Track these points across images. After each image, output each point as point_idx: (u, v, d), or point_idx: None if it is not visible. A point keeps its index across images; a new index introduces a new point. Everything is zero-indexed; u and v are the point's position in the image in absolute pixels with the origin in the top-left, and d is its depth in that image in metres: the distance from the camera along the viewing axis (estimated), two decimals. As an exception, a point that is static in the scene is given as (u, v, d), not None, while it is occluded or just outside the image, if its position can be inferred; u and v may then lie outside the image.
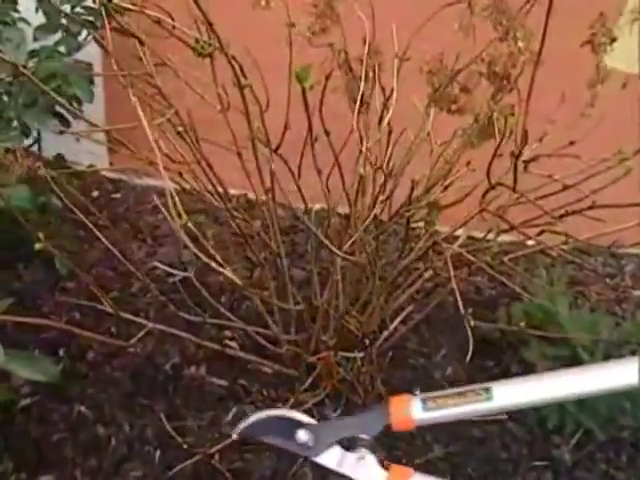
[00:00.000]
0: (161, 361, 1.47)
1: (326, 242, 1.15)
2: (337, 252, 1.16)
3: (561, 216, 1.13)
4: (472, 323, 1.31)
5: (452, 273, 1.12)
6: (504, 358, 1.74)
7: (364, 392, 1.44)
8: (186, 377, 1.45)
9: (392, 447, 1.41)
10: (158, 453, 1.25)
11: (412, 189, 1.03)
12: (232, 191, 2.35)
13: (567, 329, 1.54)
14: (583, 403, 1.52)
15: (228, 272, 1.24)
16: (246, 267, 1.91)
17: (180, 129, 1.12)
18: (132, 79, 1.10)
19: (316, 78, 1.01)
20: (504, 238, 1.60)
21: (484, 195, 1.05)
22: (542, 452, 1.52)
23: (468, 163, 1.34)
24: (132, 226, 1.99)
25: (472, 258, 1.22)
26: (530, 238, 1.25)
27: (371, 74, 1.06)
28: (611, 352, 1.54)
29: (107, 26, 1.07)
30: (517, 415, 1.56)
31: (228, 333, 1.61)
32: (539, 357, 1.52)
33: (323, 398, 1.44)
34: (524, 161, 0.92)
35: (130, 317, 1.32)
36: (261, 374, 1.50)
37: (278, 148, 1.32)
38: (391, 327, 1.43)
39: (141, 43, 1.12)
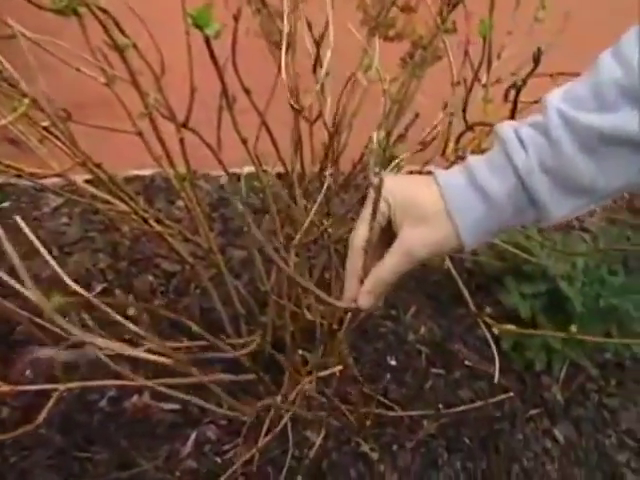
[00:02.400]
0: (94, 398, 1.22)
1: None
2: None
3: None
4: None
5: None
6: (476, 302, 1.60)
7: (338, 380, 1.26)
8: (128, 410, 1.21)
9: (380, 435, 1.25)
10: (110, 516, 1.04)
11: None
12: (146, 172, 2.06)
13: (541, 259, 1.40)
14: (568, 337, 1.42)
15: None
16: (176, 260, 1.65)
17: (45, 123, 0.83)
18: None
19: (221, 21, 0.74)
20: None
21: (459, 138, 0.84)
22: (534, 398, 1.41)
23: (417, 115, 1.13)
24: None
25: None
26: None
27: (291, 6, 0.81)
28: (590, 276, 1.43)
29: None
30: (503, 365, 1.44)
31: (170, 343, 1.37)
32: (519, 299, 1.38)
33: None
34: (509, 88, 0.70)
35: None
36: (215, 385, 1.29)
37: (187, 123, 1.05)
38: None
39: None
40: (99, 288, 1.49)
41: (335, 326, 1.14)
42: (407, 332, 1.51)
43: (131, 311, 0.99)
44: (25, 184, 1.88)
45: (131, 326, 0.70)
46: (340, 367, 1.03)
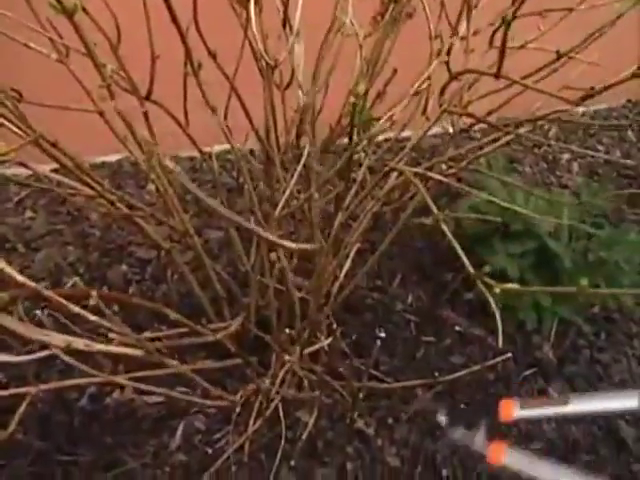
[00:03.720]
0: (73, 397, 1.16)
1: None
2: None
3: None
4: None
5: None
6: (460, 266, 1.56)
7: (327, 359, 1.21)
8: (110, 407, 1.15)
9: (374, 408, 1.22)
10: (100, 519, 0.99)
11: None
12: (112, 157, 1.96)
13: (529, 217, 1.36)
14: (557, 294, 1.39)
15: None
16: (151, 246, 1.57)
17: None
18: None
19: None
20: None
21: (443, 89, 0.77)
22: (527, 359, 1.39)
23: (395, 71, 1.07)
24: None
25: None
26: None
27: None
28: (576, 232, 1.40)
29: None
30: (494, 327, 1.41)
31: (147, 334, 1.31)
32: (506, 259, 1.35)
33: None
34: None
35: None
36: (200, 373, 1.23)
37: (149, 94, 0.97)
38: (341, 275, 1.18)
39: None
40: (70, 283, 1.42)
41: (321, 300, 1.09)
42: (394, 302, 1.47)
43: (93, 301, 0.92)
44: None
45: (92, 318, 0.63)
46: (328, 341, 0.98)
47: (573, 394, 1.04)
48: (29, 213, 1.61)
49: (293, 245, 0.69)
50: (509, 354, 1.27)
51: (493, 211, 1.46)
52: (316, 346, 1.01)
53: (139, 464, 1.07)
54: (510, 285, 0.63)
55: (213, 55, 0.82)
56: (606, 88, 0.62)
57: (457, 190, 1.93)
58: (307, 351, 1.08)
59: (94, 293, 0.68)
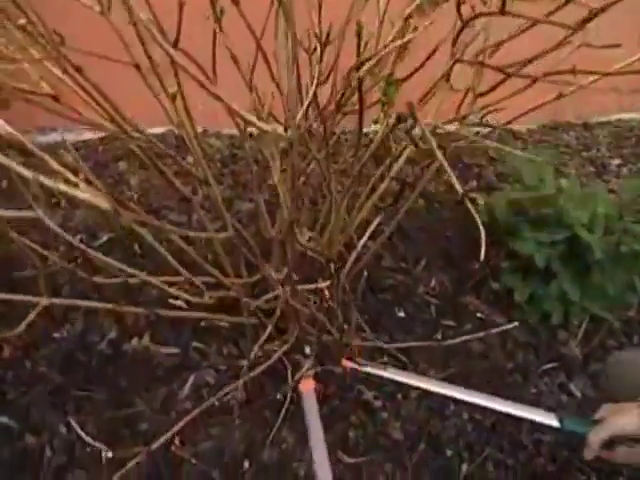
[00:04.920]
0: (94, 340, 1.22)
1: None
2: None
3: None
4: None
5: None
6: (490, 256, 1.54)
7: (340, 328, 1.22)
8: (128, 353, 1.20)
9: (383, 384, 1.21)
10: (105, 453, 1.02)
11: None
12: (158, 129, 2.04)
13: (561, 206, 1.32)
14: (588, 288, 1.34)
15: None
16: (184, 211, 1.63)
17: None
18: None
19: None
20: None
21: (456, 39, 0.77)
22: (550, 353, 1.34)
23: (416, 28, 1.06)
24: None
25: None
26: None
27: None
28: (610, 226, 1.34)
29: None
30: (517, 318, 1.38)
31: (172, 290, 1.35)
32: (534, 246, 1.31)
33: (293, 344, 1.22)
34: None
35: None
36: (217, 331, 1.27)
37: (177, 43, 0.99)
38: (359, 245, 1.19)
39: None
40: (105, 238, 1.49)
41: (336, 263, 1.09)
42: (417, 284, 1.46)
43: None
44: (39, 140, 1.88)
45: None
46: (327, 283, 0.99)
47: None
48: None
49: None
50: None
51: (528, 205, 1.43)
52: (322, 284, 1.02)
53: (148, 407, 1.11)
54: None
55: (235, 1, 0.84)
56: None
57: (493, 184, 1.91)
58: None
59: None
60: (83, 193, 0.75)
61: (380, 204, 1.37)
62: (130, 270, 1.27)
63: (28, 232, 1.46)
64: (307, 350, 1.18)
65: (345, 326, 1.07)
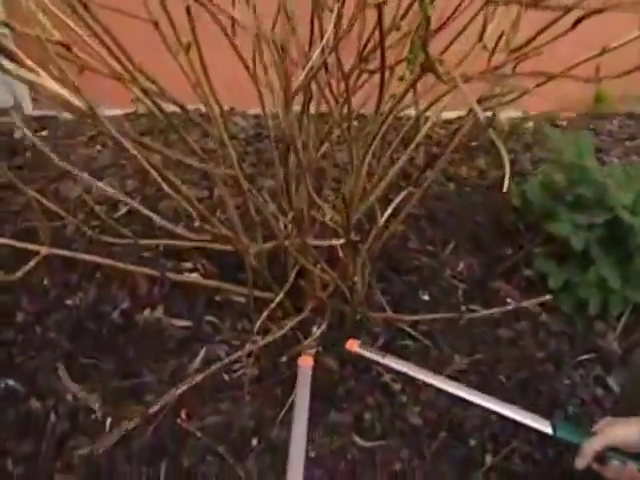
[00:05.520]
0: (106, 309, 1.19)
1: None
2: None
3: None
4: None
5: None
6: (523, 242, 1.45)
7: (360, 304, 1.16)
8: (139, 323, 1.17)
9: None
10: (109, 421, 0.99)
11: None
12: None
13: (603, 187, 1.23)
14: (629, 276, 1.24)
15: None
16: (206, 187, 1.60)
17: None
18: None
19: None
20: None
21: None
22: (586, 344, 1.25)
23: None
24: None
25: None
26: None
27: None
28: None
29: None
30: (551, 304, 1.29)
31: (188, 265, 1.32)
32: (571, 229, 1.22)
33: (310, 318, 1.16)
34: None
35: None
36: (231, 305, 1.22)
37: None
38: (382, 219, 1.12)
39: None
40: (124, 209, 1.46)
41: (355, 237, 1.03)
42: (443, 268, 1.38)
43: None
44: (65, 117, 1.88)
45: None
46: (341, 240, 0.93)
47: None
48: (98, 147, 1.69)
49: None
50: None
51: (565, 186, 1.34)
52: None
53: (156, 379, 1.07)
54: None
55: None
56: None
57: (527, 171, 1.81)
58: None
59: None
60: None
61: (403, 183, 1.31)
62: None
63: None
64: (314, 329, 1.13)
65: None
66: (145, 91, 1.07)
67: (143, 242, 1.10)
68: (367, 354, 1.09)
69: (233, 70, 1.13)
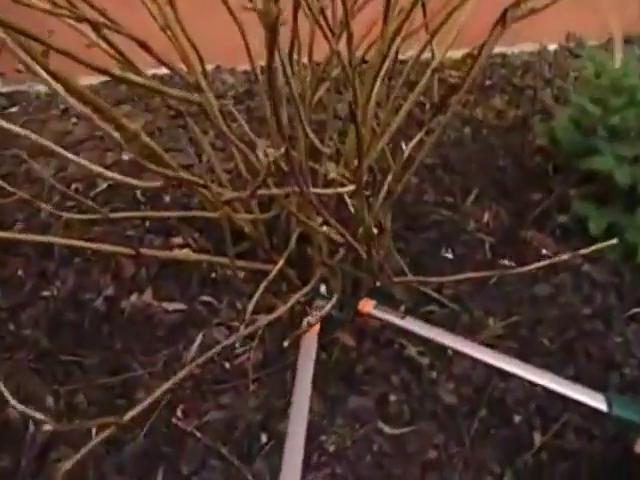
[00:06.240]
0: (89, 297, 1.05)
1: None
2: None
3: None
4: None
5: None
6: (554, 185, 1.28)
7: (378, 269, 1.00)
8: (126, 310, 1.03)
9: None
10: (96, 427, 0.86)
11: None
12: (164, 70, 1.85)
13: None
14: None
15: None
16: (194, 153, 1.44)
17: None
18: None
19: None
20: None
21: None
22: (636, 295, 1.09)
23: None
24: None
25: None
26: None
27: None
28: None
29: None
30: (593, 255, 1.12)
31: (178, 240, 1.17)
32: (614, 162, 1.05)
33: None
34: None
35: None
36: (229, 282, 1.08)
37: None
38: (396, 166, 0.95)
39: None
40: (104, 185, 1.31)
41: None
42: (466, 220, 1.22)
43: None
44: (36, 90, 1.72)
45: None
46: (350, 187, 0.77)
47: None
48: (73, 120, 1.52)
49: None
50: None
51: (601, 116, 1.16)
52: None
53: (147, 372, 0.93)
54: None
55: None
56: None
57: (551, 108, 1.62)
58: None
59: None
60: None
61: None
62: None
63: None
64: (322, 288, 0.98)
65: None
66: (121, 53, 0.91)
67: (113, 216, 0.95)
68: (384, 316, 0.96)
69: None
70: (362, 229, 0.90)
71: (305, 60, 1.09)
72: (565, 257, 0.95)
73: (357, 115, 0.71)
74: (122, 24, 0.81)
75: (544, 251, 1.15)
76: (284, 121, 1.03)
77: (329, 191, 0.83)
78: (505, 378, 0.94)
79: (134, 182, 0.85)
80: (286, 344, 0.83)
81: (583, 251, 0.89)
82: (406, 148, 0.99)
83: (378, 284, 1.01)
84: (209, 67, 1.08)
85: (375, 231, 0.86)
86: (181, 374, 0.80)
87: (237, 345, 0.94)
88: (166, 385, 0.78)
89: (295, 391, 0.86)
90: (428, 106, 1.52)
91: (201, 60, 1.02)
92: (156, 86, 0.84)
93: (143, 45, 0.86)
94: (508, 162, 1.39)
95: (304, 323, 0.91)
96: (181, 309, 1.03)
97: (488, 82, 1.67)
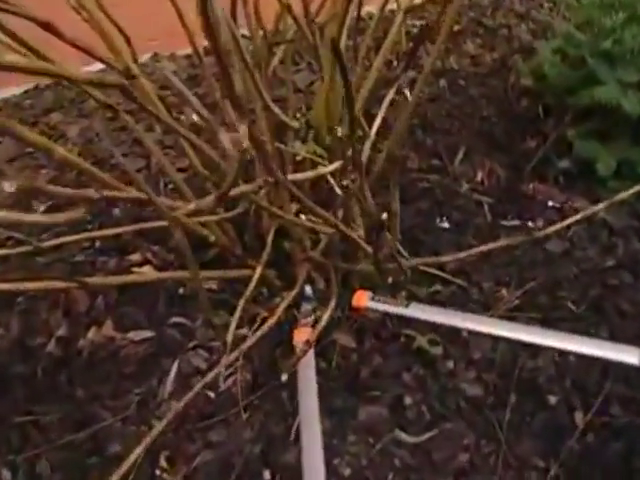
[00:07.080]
0: (39, 341, 0.89)
1: None
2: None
3: None
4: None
5: None
6: (547, 128, 1.15)
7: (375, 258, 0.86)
8: (84, 350, 0.88)
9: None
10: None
11: None
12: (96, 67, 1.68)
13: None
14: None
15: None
16: (141, 155, 1.28)
17: None
18: None
19: None
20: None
21: None
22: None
23: None
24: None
25: None
26: None
27: None
28: None
29: None
30: (607, 196, 0.99)
31: (135, 257, 1.02)
32: (618, 90, 0.91)
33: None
34: None
35: None
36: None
37: None
38: (372, 133, 0.81)
39: None
40: (42, 208, 1.15)
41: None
42: (458, 182, 1.08)
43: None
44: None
45: None
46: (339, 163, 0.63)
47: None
48: (-1, 139, 1.36)
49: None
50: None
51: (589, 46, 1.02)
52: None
53: (119, 419, 0.79)
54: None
55: None
56: None
57: (529, 44, 1.48)
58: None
59: None
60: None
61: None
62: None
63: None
64: (307, 290, 0.84)
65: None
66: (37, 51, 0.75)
67: (48, 244, 0.79)
68: (383, 307, 0.83)
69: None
70: (359, 214, 0.76)
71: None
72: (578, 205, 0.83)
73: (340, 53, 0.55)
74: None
75: (550, 203, 1.01)
76: (239, 91, 0.88)
77: (311, 174, 0.68)
78: (532, 355, 0.81)
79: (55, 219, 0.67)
80: (284, 378, 0.71)
81: (603, 204, 0.76)
82: (379, 113, 0.85)
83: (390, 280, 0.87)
84: (145, 56, 0.92)
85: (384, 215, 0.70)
86: (162, 424, 0.66)
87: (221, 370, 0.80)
88: (147, 440, 0.64)
89: (301, 412, 0.73)
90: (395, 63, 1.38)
91: (128, 41, 0.86)
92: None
93: (46, 26, 0.70)
94: (493, 111, 1.25)
95: (299, 344, 0.78)
96: (149, 337, 0.88)
97: (456, 27, 1.52)
